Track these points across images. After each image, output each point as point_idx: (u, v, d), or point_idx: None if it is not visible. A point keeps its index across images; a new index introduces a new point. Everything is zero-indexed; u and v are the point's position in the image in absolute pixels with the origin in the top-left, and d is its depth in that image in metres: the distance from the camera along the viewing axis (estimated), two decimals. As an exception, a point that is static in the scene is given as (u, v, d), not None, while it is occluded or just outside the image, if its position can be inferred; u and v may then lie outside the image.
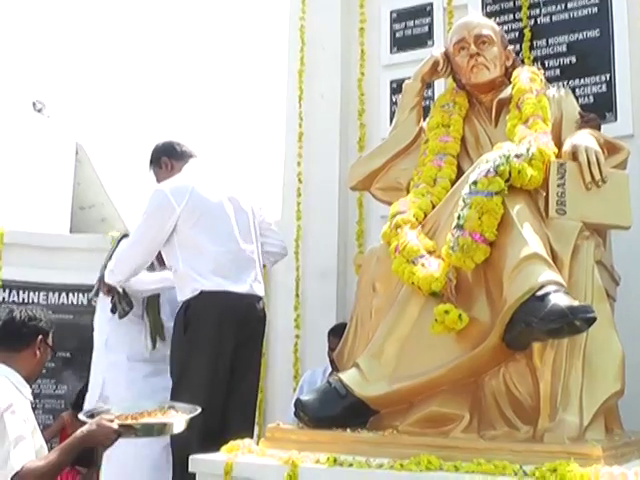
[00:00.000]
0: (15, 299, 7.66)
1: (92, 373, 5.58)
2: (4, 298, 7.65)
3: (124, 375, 5.33)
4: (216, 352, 4.78)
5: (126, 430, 3.77)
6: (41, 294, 7.71)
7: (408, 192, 4.43)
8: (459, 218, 3.67)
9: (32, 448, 3.78)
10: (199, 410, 3.98)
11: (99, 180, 14.22)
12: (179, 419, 3.90)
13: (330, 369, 5.54)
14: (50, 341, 4.18)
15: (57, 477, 3.90)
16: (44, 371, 4.28)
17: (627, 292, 4.60)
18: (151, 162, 5.47)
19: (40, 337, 4.10)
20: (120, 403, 4.33)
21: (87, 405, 5.37)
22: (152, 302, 5.50)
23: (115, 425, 3.73)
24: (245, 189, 5.30)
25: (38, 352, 4.10)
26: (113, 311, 5.43)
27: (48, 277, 7.67)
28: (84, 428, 3.76)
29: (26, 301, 7.57)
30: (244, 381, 4.98)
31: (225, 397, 4.84)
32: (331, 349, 5.38)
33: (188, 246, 4.92)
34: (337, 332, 5.27)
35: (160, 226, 4.92)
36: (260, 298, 5.05)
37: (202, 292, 4.79)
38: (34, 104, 13.50)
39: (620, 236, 4.38)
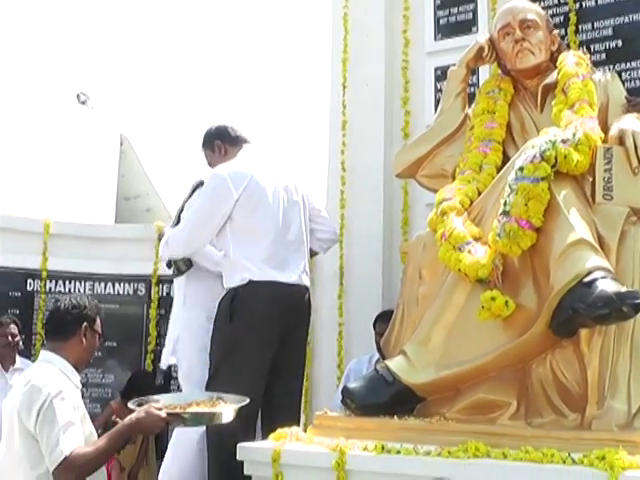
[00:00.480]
0: (61, 289, 7.75)
1: (170, 327, 5.58)
2: (50, 289, 7.74)
3: (198, 339, 5.21)
4: (262, 341, 4.79)
5: (174, 419, 3.80)
6: (87, 284, 7.78)
7: (454, 179, 4.41)
8: (505, 204, 3.65)
9: (81, 434, 3.81)
10: (247, 401, 3.99)
11: (143, 171, 14.31)
12: (228, 409, 3.90)
13: (376, 357, 5.53)
14: (97, 327, 4.19)
15: (105, 463, 3.92)
16: (91, 360, 4.29)
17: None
18: (204, 144, 5.45)
19: (85, 324, 4.10)
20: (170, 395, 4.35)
21: (163, 358, 5.49)
22: None
23: (163, 414, 3.75)
24: (295, 176, 5.29)
25: (84, 339, 4.10)
26: (169, 266, 5.43)
27: (94, 267, 7.75)
28: (132, 415, 3.79)
29: (72, 291, 7.66)
30: (290, 371, 5.00)
31: (270, 387, 4.86)
32: (379, 335, 5.37)
33: (242, 233, 4.91)
34: (384, 318, 5.28)
35: (217, 210, 4.92)
36: (307, 289, 5.07)
37: (251, 281, 4.80)
38: (78, 96, 13.61)
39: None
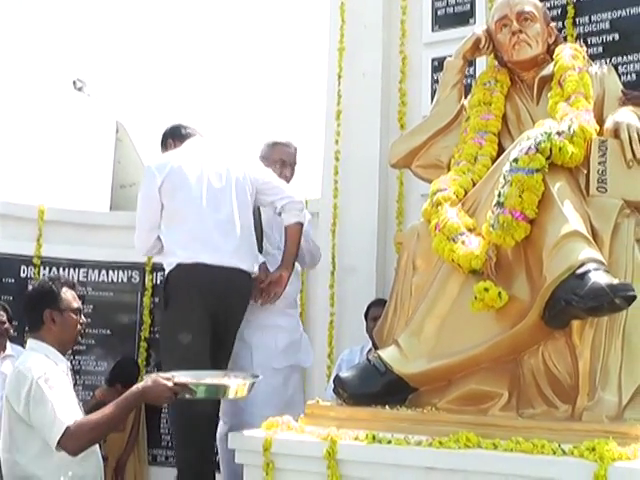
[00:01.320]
0: (55, 276, 7.75)
1: None
2: (44, 275, 7.73)
3: None
4: (195, 327, 4.76)
5: (182, 389, 3.77)
6: (81, 271, 7.79)
7: (449, 170, 4.41)
8: (499, 195, 3.66)
9: (77, 407, 3.85)
10: (260, 377, 4.05)
11: (139, 158, 14.28)
12: (235, 382, 3.92)
13: (368, 347, 5.55)
14: (66, 304, 4.17)
15: (112, 430, 3.92)
16: (84, 347, 4.30)
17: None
18: (161, 144, 5.57)
19: (47, 310, 4.11)
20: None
21: None
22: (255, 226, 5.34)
23: (170, 384, 3.73)
24: (240, 159, 5.33)
25: (53, 324, 4.12)
26: None
27: (88, 254, 7.77)
28: (140, 384, 3.80)
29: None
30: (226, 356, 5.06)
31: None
32: (372, 320, 5.39)
33: (168, 218, 4.98)
34: (378, 304, 5.38)
35: (151, 201, 5.02)
36: (242, 271, 4.98)
37: (179, 265, 4.82)
38: (74, 83, 13.59)
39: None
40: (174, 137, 5.44)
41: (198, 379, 3.91)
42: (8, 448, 3.94)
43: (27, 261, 7.75)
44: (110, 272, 7.80)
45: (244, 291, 4.90)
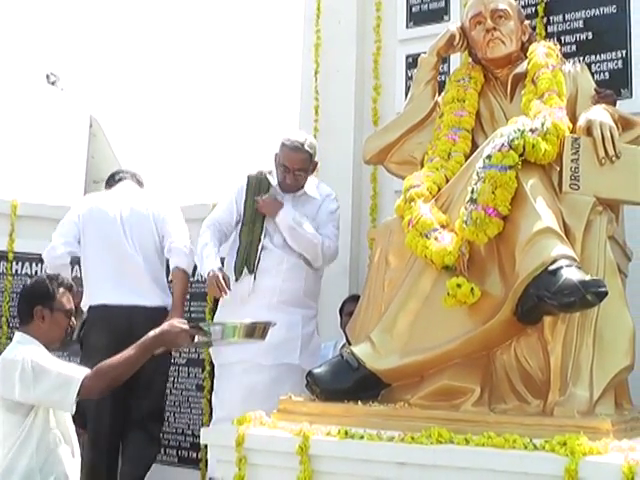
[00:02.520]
0: (28, 271, 7.71)
1: None
2: (17, 270, 7.70)
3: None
4: None
5: (197, 331, 3.98)
6: (54, 266, 7.72)
7: (422, 166, 4.42)
8: (473, 192, 3.67)
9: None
10: (276, 324, 4.28)
11: (113, 153, 14.23)
12: (244, 323, 4.11)
13: (342, 342, 5.55)
14: (59, 304, 4.23)
15: (131, 372, 4.05)
16: (69, 338, 4.32)
17: (637, 267, 4.61)
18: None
19: (38, 307, 4.18)
20: None
21: None
22: (254, 219, 5.29)
23: (186, 326, 3.93)
24: (155, 199, 5.67)
25: (42, 321, 4.18)
26: None
27: (61, 249, 7.69)
28: (157, 329, 3.96)
29: (38, 273, 7.59)
30: (138, 398, 5.21)
31: (123, 415, 5.16)
32: (347, 315, 5.39)
33: (83, 260, 5.27)
34: (352, 300, 5.38)
35: (68, 224, 5.49)
36: (145, 307, 5.12)
37: (89, 307, 4.93)
38: (48, 77, 13.52)
39: (634, 212, 4.39)
40: (108, 182, 5.90)
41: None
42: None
43: (-1, 256, 7.71)
44: (83, 267, 7.75)
45: (150, 326, 4.55)
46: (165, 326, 3.98)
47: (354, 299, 5.31)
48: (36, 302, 4.19)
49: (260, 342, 4.29)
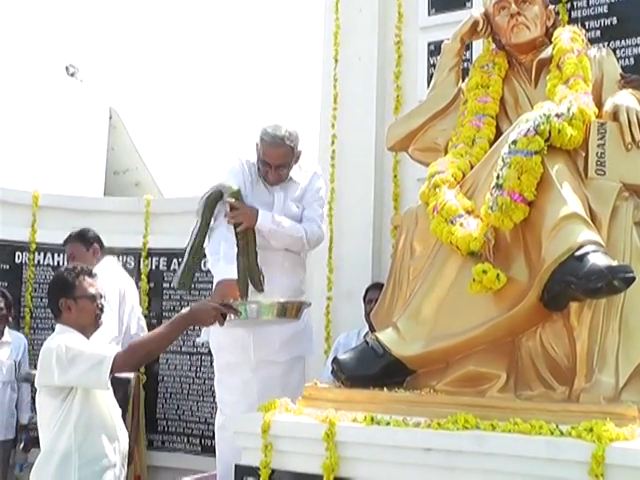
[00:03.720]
0: (50, 262, 7.76)
1: None
2: (39, 261, 7.75)
3: None
4: None
5: (229, 310, 4.07)
6: (76, 257, 7.75)
7: (446, 153, 4.41)
8: (498, 178, 3.66)
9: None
10: (309, 304, 4.50)
11: (133, 144, 14.25)
12: (280, 302, 4.29)
13: (365, 331, 5.55)
14: (81, 291, 4.28)
15: (165, 348, 4.37)
16: (100, 321, 4.38)
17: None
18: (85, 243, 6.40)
19: (62, 300, 4.25)
20: None
21: (202, 334, 5.37)
22: (247, 241, 4.93)
23: (216, 304, 4.05)
24: None
25: (69, 312, 4.26)
26: None
27: (83, 240, 7.72)
28: (188, 308, 4.09)
29: (61, 264, 7.62)
30: None
31: None
32: (369, 303, 5.46)
33: None
34: (375, 288, 5.41)
35: None
36: None
37: None
38: (67, 68, 13.54)
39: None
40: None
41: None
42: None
43: (22, 247, 7.74)
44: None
45: None
46: (197, 304, 4.12)
47: (377, 287, 5.37)
48: (59, 295, 4.27)
49: (294, 321, 4.42)
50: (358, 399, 3.70)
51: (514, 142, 3.68)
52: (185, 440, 7.28)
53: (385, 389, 3.74)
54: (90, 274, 4.37)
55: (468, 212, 3.86)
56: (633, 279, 3.32)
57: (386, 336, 3.89)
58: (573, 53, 4.31)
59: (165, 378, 7.44)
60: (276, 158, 4.92)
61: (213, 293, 4.81)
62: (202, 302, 4.16)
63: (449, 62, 4.75)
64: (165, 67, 15.33)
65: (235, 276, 4.66)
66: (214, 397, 6.94)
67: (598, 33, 5.71)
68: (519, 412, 3.31)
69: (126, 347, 4.07)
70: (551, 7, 4.72)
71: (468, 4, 6.25)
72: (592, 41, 5.51)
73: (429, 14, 6.45)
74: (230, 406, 5.03)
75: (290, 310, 4.34)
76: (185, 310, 4.08)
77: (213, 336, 5.11)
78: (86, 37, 13.63)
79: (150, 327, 7.26)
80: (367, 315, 5.40)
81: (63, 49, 13.38)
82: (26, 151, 11.96)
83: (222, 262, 4.76)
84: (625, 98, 4.04)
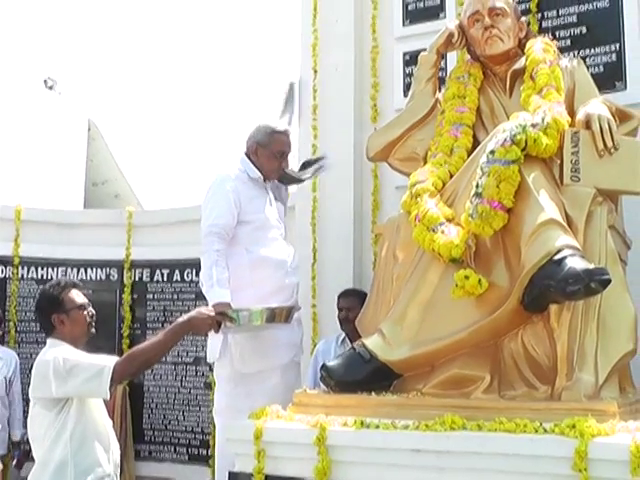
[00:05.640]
0: (34, 276, 7.82)
1: None
2: (23, 275, 7.81)
3: None
4: None
5: (223, 317, 4.33)
6: (59, 270, 7.84)
7: (425, 162, 4.53)
8: (477, 186, 3.79)
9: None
10: (299, 307, 4.76)
11: (111, 156, 14.27)
12: (268, 307, 4.49)
13: (343, 336, 5.69)
14: (70, 304, 4.34)
15: (162, 356, 4.35)
16: (92, 330, 4.46)
17: (636, 255, 4.73)
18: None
19: (53, 315, 4.31)
20: None
21: (208, 353, 5.35)
22: None
23: (212, 312, 4.20)
24: None
25: (62, 325, 4.31)
26: None
27: (66, 253, 7.84)
28: (185, 315, 4.17)
29: (45, 277, 7.70)
30: None
31: None
32: (340, 310, 5.66)
33: None
34: (346, 295, 5.67)
35: None
36: None
37: None
38: (45, 81, 13.54)
39: (632, 202, 4.50)
40: None
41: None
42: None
43: (5, 261, 7.80)
44: (89, 270, 7.86)
45: None
46: (193, 313, 4.18)
47: (347, 294, 5.64)
48: (50, 311, 4.32)
49: (285, 325, 4.62)
50: (347, 404, 3.81)
51: (492, 152, 3.82)
52: (172, 449, 7.37)
53: (373, 393, 3.85)
54: (74, 285, 4.45)
55: (449, 220, 3.97)
56: (609, 281, 3.46)
57: (372, 342, 4.00)
58: (545, 64, 4.44)
59: (151, 388, 7.53)
60: (288, 146, 5.34)
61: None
62: (198, 310, 4.21)
63: (426, 73, 4.88)
64: (143, 79, 15.37)
65: (228, 299, 4.75)
66: (200, 406, 7.10)
67: (568, 42, 5.83)
68: (504, 411, 3.44)
69: (124, 355, 4.13)
70: (523, 19, 4.86)
71: (442, 15, 6.35)
72: (562, 50, 5.63)
73: (404, 24, 6.54)
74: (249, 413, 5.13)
75: (279, 315, 4.57)
76: (182, 318, 4.17)
77: (236, 345, 5.06)
78: (64, 50, 13.64)
79: (134, 337, 7.41)
80: (340, 321, 5.65)
81: (41, 62, 13.38)
82: (5, 164, 11.96)
83: (216, 287, 4.83)
84: (597, 107, 4.18)
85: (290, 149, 5.34)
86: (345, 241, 6.33)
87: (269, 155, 5.24)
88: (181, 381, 7.37)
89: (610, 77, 5.62)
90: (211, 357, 5.20)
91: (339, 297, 5.82)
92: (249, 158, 5.27)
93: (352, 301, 5.59)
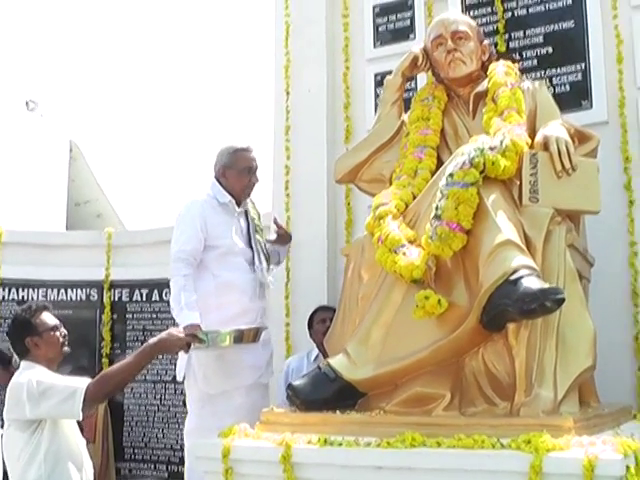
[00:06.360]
0: (15, 297, 7.86)
1: None
2: (4, 297, 7.86)
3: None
4: None
5: (193, 339, 4.44)
6: (40, 291, 7.90)
7: (391, 183, 4.61)
8: (437, 209, 3.88)
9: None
10: (265, 327, 4.92)
11: (93, 176, 14.37)
12: (236, 329, 4.67)
13: (315, 352, 5.82)
14: (42, 326, 4.45)
15: (135, 376, 4.46)
16: (64, 350, 4.53)
17: (601, 272, 4.85)
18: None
19: (27, 339, 4.42)
20: None
21: (177, 370, 5.45)
22: None
23: (182, 334, 4.32)
24: None
25: (36, 348, 4.42)
26: None
27: (47, 274, 7.89)
28: (156, 337, 4.30)
29: (26, 299, 7.74)
30: None
31: None
32: (318, 323, 5.80)
33: None
34: (322, 309, 5.85)
35: None
36: None
37: None
38: (27, 104, 13.62)
39: (597, 222, 4.64)
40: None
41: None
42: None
43: (-14, 283, 7.84)
44: (69, 290, 7.92)
45: None
46: (163, 334, 4.29)
47: (322, 309, 5.82)
48: (24, 335, 4.43)
49: (253, 345, 4.79)
50: (313, 422, 3.88)
51: (451, 175, 3.90)
52: (152, 467, 7.42)
53: (338, 412, 3.93)
54: (45, 308, 4.55)
55: (411, 242, 4.05)
56: (563, 300, 3.55)
57: (337, 361, 4.08)
58: (507, 86, 4.55)
59: (131, 407, 7.60)
60: (253, 160, 5.41)
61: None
62: (168, 332, 4.32)
63: (391, 96, 4.98)
64: (123, 100, 15.45)
65: (198, 321, 4.87)
66: (179, 424, 7.15)
67: (535, 62, 5.96)
68: (463, 428, 3.51)
69: (97, 377, 4.19)
70: (486, 42, 4.96)
71: (412, 36, 6.48)
72: (529, 70, 5.80)
73: (375, 46, 6.67)
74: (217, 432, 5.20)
75: (247, 336, 4.75)
76: (153, 339, 4.28)
77: (200, 367, 5.19)
78: (45, 72, 13.72)
79: (114, 356, 7.48)
80: (315, 336, 5.80)
81: (23, 85, 13.46)
82: (-13, 187, 12.04)
83: (185, 310, 4.96)
84: (555, 129, 4.27)
85: (256, 163, 5.42)
86: (319, 260, 6.42)
87: (237, 174, 5.37)
88: (160, 399, 7.44)
89: (576, 96, 5.76)
90: (179, 377, 5.36)
91: (317, 311, 5.95)
92: (219, 182, 5.38)
93: (332, 313, 5.68)
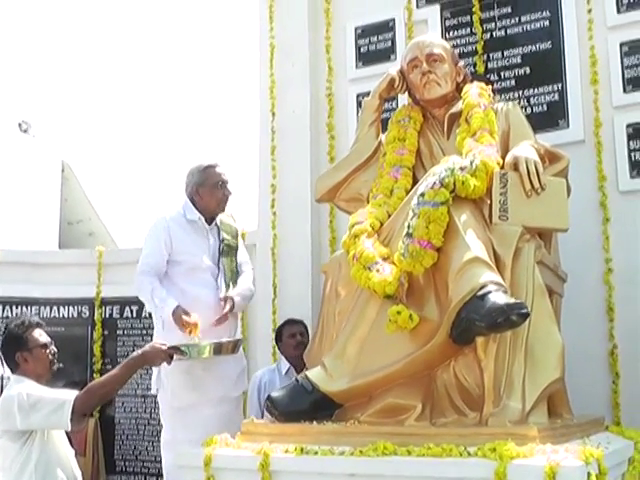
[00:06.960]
0: (9, 314, 7.95)
1: None
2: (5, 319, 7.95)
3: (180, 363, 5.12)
4: None
5: (175, 351, 4.59)
6: (33, 308, 8.00)
7: (368, 203, 4.75)
8: (409, 227, 4.02)
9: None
10: (239, 339, 5.06)
11: (85, 196, 14.48)
12: (215, 342, 4.87)
13: (287, 366, 5.99)
14: (34, 342, 4.61)
15: (119, 388, 4.63)
16: (54, 366, 4.67)
17: (577, 288, 5.00)
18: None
19: (17, 354, 4.58)
20: None
21: (153, 384, 5.57)
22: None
23: (164, 347, 4.49)
24: None
25: (26, 363, 4.59)
26: None
27: (39, 292, 8.00)
28: (140, 350, 4.49)
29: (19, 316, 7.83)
30: None
31: None
32: (290, 336, 6.00)
33: None
34: (293, 322, 6.03)
35: None
36: None
37: None
38: (20, 125, 13.75)
39: (573, 239, 4.84)
40: None
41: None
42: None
43: (-19, 302, 7.97)
44: (61, 308, 8.03)
45: None
46: (146, 347, 4.49)
47: (293, 321, 6.03)
48: (15, 350, 4.59)
49: (233, 356, 5.03)
50: (290, 432, 4.02)
51: (422, 194, 4.05)
52: (142, 479, 7.54)
53: (315, 422, 4.07)
54: (38, 324, 4.69)
55: (384, 259, 4.19)
56: (528, 314, 3.71)
57: (314, 374, 4.22)
58: (480, 108, 4.68)
59: (121, 420, 7.70)
60: (222, 174, 5.53)
61: (174, 321, 5.10)
62: (151, 345, 4.52)
63: (369, 117, 5.13)
64: (114, 121, 15.59)
65: (177, 303, 5.12)
66: (153, 436, 7.26)
67: (513, 82, 6.09)
68: (433, 437, 3.64)
69: (84, 389, 4.35)
70: (461, 63, 5.11)
71: (393, 57, 6.60)
72: (507, 90, 5.96)
73: (357, 67, 6.80)
74: (189, 444, 5.30)
75: (226, 348, 4.97)
76: (136, 352, 4.47)
77: (168, 381, 5.32)
78: (38, 94, 13.85)
79: (105, 372, 7.56)
80: (287, 350, 5.99)
81: (16, 106, 13.58)
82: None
83: (162, 303, 5.18)
84: (525, 149, 4.40)
85: (226, 177, 5.55)
86: (304, 277, 6.54)
87: (209, 190, 5.50)
88: (150, 413, 7.54)
89: (553, 116, 5.90)
90: (153, 390, 5.54)
91: (285, 325, 6.13)
92: (193, 202, 5.52)
93: (301, 327, 6.01)
